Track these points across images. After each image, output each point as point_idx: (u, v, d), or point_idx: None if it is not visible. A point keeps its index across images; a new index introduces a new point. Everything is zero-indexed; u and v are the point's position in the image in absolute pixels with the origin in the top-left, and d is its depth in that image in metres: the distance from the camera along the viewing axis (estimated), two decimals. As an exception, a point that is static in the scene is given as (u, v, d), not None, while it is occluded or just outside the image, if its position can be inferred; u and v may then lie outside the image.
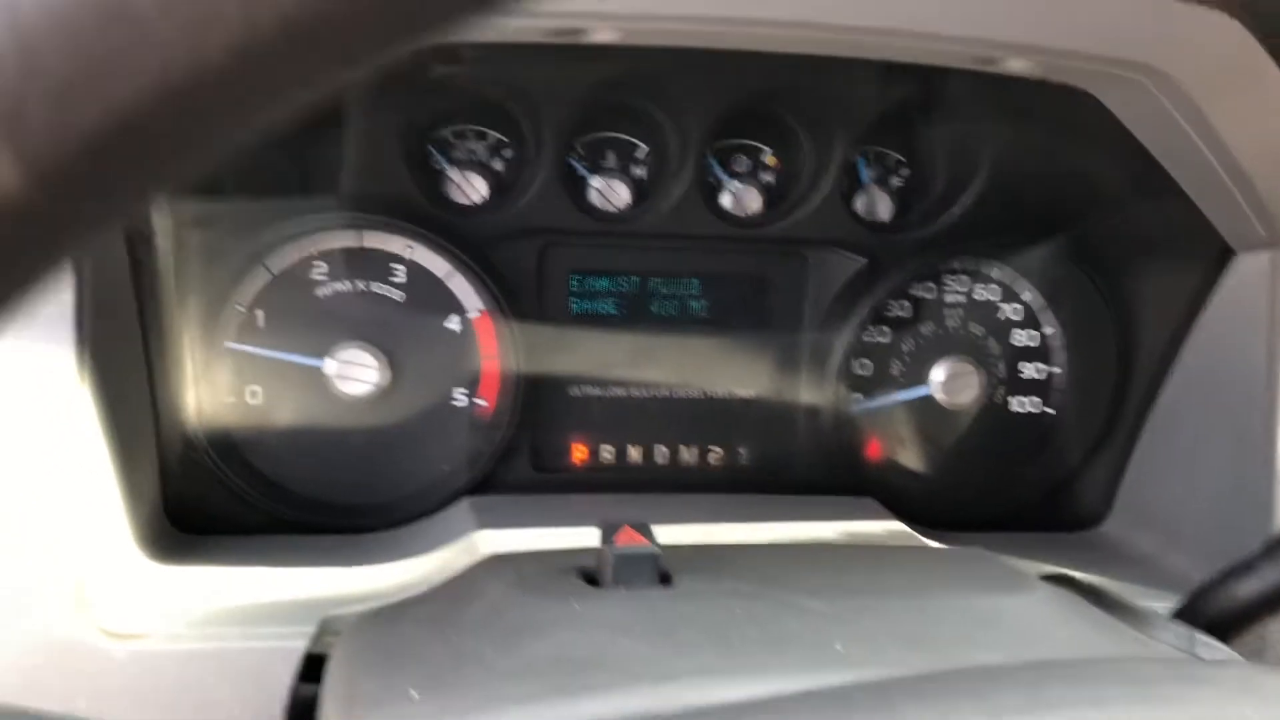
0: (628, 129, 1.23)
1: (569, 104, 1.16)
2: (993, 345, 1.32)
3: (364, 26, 0.24)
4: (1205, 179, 1.07)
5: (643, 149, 1.24)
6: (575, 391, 1.26)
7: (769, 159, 1.27)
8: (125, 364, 1.03)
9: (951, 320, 1.31)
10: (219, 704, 0.86)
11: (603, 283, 1.25)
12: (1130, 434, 1.30)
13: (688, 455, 1.29)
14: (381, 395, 1.16)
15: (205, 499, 1.14)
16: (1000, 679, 0.57)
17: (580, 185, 1.22)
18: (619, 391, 1.27)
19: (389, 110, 1.14)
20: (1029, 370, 1.33)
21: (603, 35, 0.88)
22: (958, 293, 1.31)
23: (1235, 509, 1.12)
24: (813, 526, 1.15)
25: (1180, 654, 0.75)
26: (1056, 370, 1.33)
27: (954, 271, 1.30)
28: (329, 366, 1.15)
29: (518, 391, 1.20)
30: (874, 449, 1.32)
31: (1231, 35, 0.86)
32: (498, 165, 1.21)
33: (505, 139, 1.21)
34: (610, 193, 1.22)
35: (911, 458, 1.33)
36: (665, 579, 0.78)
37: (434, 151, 1.20)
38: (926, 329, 1.30)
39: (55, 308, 0.88)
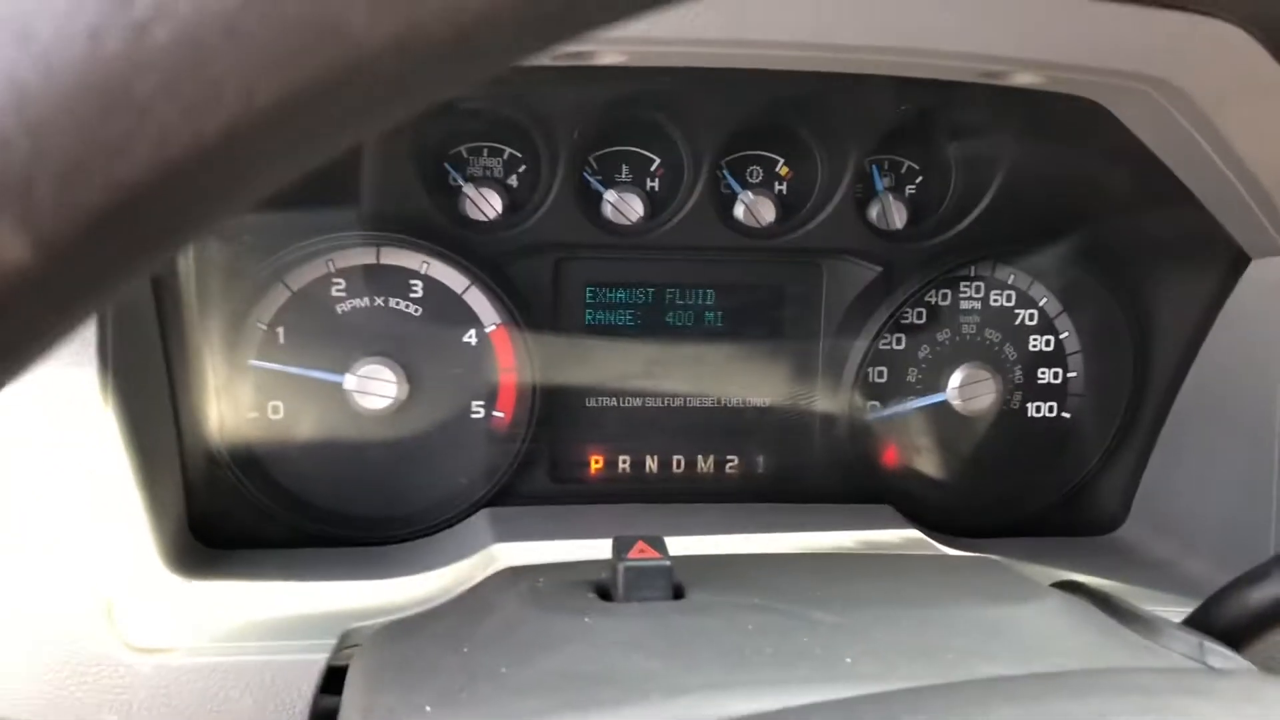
0: (641, 143, 1.24)
1: (583, 121, 1.17)
2: (1008, 351, 1.32)
3: (360, 103, 0.25)
4: (1218, 187, 1.07)
5: (656, 162, 1.25)
6: (592, 403, 1.27)
7: (782, 169, 1.28)
8: (148, 383, 1.05)
9: (967, 327, 1.31)
10: (243, 716, 0.88)
11: (619, 295, 1.26)
12: (1147, 439, 1.30)
13: (704, 465, 1.30)
14: (401, 409, 1.18)
15: (229, 514, 1.16)
16: (1001, 691, 0.58)
17: (595, 199, 1.24)
18: (635, 402, 1.28)
19: (405, 129, 1.15)
20: (1045, 375, 1.33)
21: (610, 58, 0.89)
22: (973, 299, 1.31)
23: (1252, 513, 1.12)
24: (830, 535, 1.15)
25: (1190, 663, 0.76)
26: (1073, 375, 1.33)
27: (969, 278, 1.30)
28: (349, 382, 1.16)
29: (535, 404, 1.21)
30: (891, 457, 1.33)
31: (1241, 47, 0.85)
32: (513, 181, 1.23)
33: (520, 155, 1.23)
34: (624, 206, 1.23)
35: (928, 465, 1.33)
36: (678, 591, 0.79)
37: (450, 169, 1.21)
38: (942, 336, 1.31)
39: (78, 330, 0.90)
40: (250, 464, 1.17)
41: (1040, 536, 1.33)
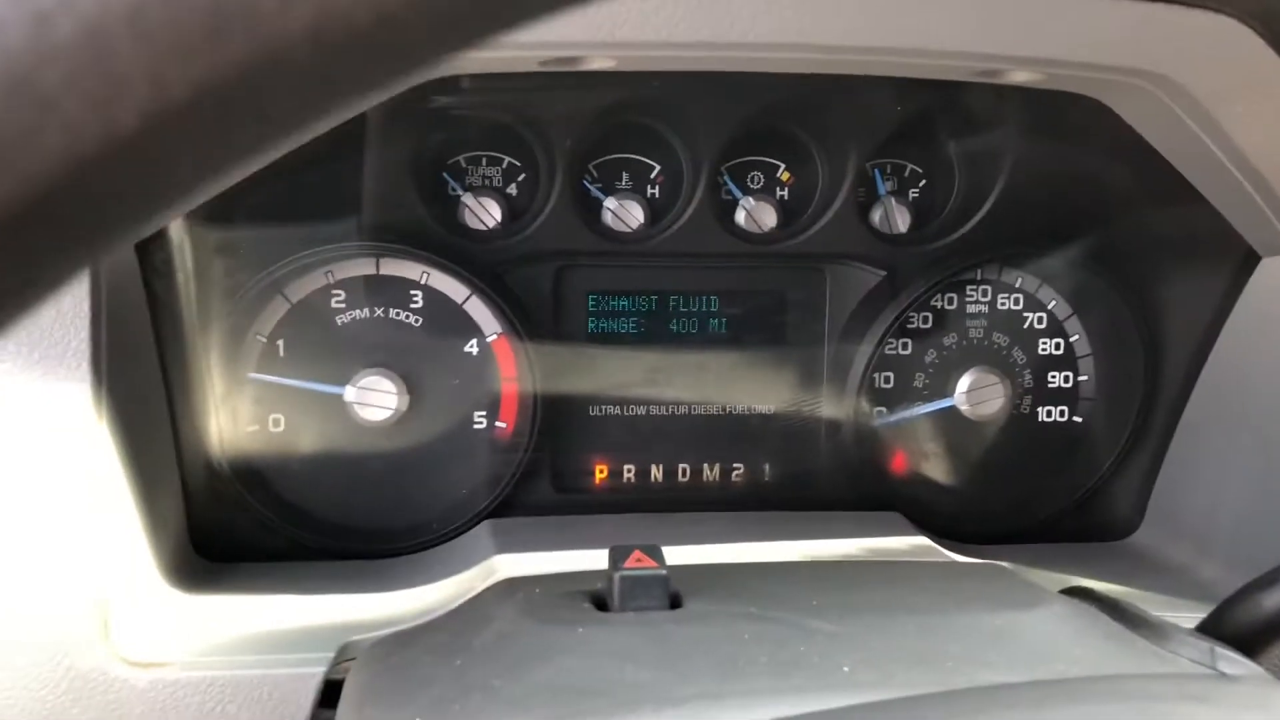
0: (640, 150, 1.24)
1: (580, 127, 1.17)
2: (1017, 355, 1.30)
3: (285, 97, 0.24)
4: (1225, 185, 1.05)
5: (656, 169, 1.24)
6: (595, 412, 1.26)
7: (783, 174, 1.27)
8: (145, 397, 1.05)
9: (974, 330, 1.29)
10: (241, 731, 0.88)
11: (621, 302, 1.25)
12: (1160, 441, 1.28)
13: (710, 473, 1.29)
14: (402, 420, 1.17)
15: (230, 527, 1.16)
16: (1001, 699, 0.57)
17: (594, 207, 1.23)
18: (639, 410, 1.27)
19: (402, 139, 1.15)
20: (1056, 379, 1.31)
21: (599, 63, 0.88)
22: (979, 303, 1.29)
23: (1268, 516, 1.10)
24: (837, 543, 1.14)
25: (1198, 669, 0.74)
26: (1083, 378, 1.31)
27: (975, 281, 1.29)
28: (349, 393, 1.16)
29: (537, 413, 1.20)
30: (898, 463, 1.31)
31: (1241, 41, 0.84)
32: (512, 190, 1.22)
33: (519, 164, 1.22)
34: (624, 213, 1.22)
35: (937, 471, 1.31)
36: (675, 601, 0.78)
37: (449, 178, 1.21)
38: (949, 340, 1.29)
39: (72, 343, 0.90)
40: (251, 477, 1.17)
41: (1053, 542, 1.30)
